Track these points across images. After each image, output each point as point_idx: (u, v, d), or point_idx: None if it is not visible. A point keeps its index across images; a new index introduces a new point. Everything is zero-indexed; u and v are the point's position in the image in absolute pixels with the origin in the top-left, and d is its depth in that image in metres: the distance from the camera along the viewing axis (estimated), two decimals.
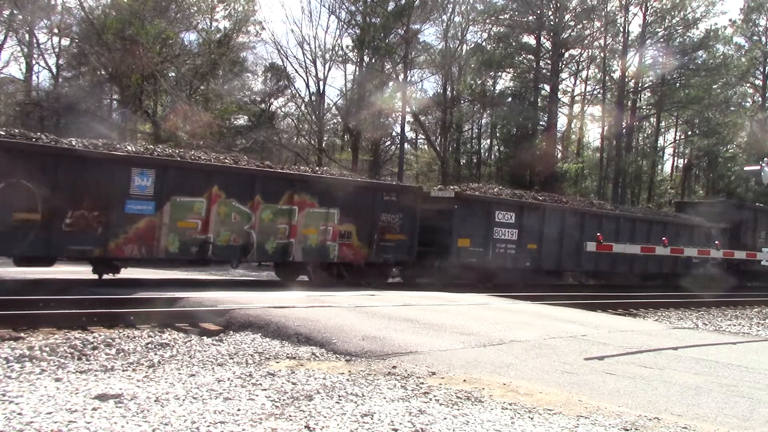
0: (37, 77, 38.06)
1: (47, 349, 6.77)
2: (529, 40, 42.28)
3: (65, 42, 35.45)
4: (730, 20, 49.02)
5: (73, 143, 13.65)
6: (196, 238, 14.59)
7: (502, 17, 41.28)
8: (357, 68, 39.35)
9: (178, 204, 14.24)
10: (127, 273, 16.07)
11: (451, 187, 20.85)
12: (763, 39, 49.19)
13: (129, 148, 14.70)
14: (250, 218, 15.28)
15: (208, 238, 14.69)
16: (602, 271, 23.86)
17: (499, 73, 44.02)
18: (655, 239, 22.94)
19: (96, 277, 14.49)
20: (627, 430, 4.87)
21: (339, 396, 5.38)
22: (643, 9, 41.57)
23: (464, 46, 42.67)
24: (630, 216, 24.74)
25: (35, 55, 35.24)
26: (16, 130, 13.78)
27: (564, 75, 43.69)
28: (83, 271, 16.60)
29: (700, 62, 42.70)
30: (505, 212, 20.17)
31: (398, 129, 41.80)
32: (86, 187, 13.08)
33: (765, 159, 23.16)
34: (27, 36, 34.30)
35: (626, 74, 42.45)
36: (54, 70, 35.65)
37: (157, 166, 14.02)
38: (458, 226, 18.87)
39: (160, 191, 13.96)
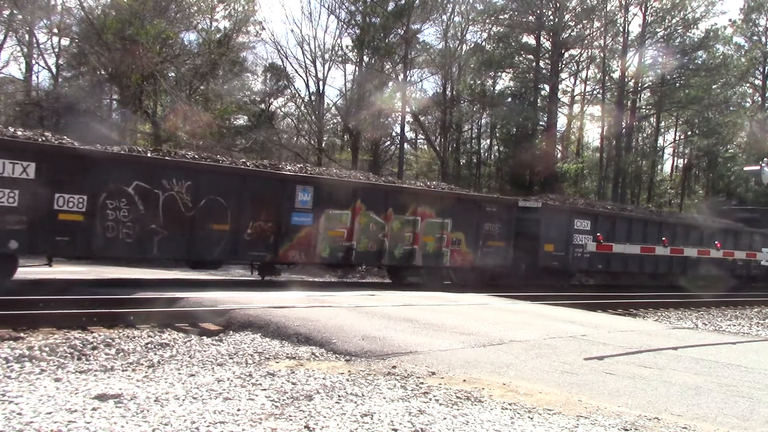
0: (37, 77, 38.07)
1: (47, 349, 6.77)
2: (529, 40, 42.31)
3: (65, 42, 35.43)
4: (730, 20, 49.09)
5: (248, 164, 16.63)
6: (343, 245, 17.06)
7: (501, 17, 41.28)
8: (357, 68, 39.36)
9: (330, 215, 16.75)
10: (127, 273, 16.09)
11: (536, 198, 23.30)
12: (763, 39, 49.21)
13: (289, 167, 17.68)
14: (384, 227, 17.66)
15: (351, 245, 17.12)
16: (660, 273, 25.82)
17: (499, 73, 44.02)
18: (707, 243, 25.46)
19: (98, 278, 14.51)
20: (627, 430, 4.87)
21: (339, 396, 5.38)
22: (643, 9, 41.58)
23: (464, 46, 42.72)
24: (685, 223, 27.66)
25: (35, 55, 35.21)
26: (221, 157, 17.01)
27: (564, 75, 43.73)
28: (83, 271, 16.62)
29: (700, 62, 42.69)
30: (582, 220, 22.54)
31: (398, 129, 41.82)
32: (263, 202, 15.64)
33: (765, 159, 23.24)
34: (27, 36, 34.27)
35: (626, 74, 42.45)
36: (54, 70, 35.63)
37: (315, 184, 16.62)
38: (544, 233, 20.99)
39: (317, 205, 16.51)
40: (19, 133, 13.63)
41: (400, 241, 17.96)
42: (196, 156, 16.10)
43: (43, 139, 13.60)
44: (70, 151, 13.31)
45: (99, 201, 13.33)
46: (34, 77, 36.80)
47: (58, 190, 12.90)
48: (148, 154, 14.85)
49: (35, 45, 34.54)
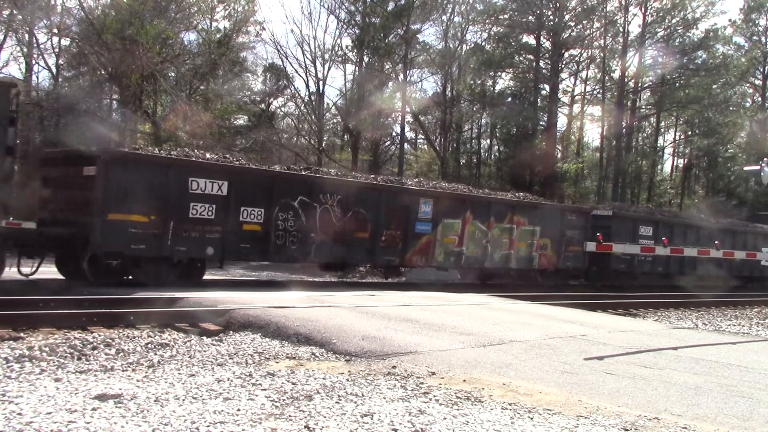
0: (37, 77, 37.94)
1: (47, 349, 6.77)
2: (529, 40, 42.34)
3: (65, 42, 35.36)
4: (730, 20, 49.11)
5: (378, 180, 19.49)
6: (454, 251, 19.38)
7: (501, 17, 41.30)
8: (357, 68, 39.35)
9: (445, 224, 19.06)
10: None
11: (608, 207, 26.41)
12: (763, 39, 49.25)
13: (410, 182, 20.58)
14: (487, 234, 19.89)
15: (462, 251, 19.51)
16: (712, 274, 27.03)
17: (499, 73, 44.03)
18: (751, 246, 27.99)
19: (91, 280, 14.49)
20: (627, 430, 4.87)
21: (339, 396, 5.38)
22: (643, 9, 41.62)
23: (464, 46, 42.71)
24: (733, 228, 29.70)
25: (35, 55, 35.14)
26: (359, 174, 20.41)
27: (564, 75, 43.75)
28: None
29: (699, 62, 42.73)
30: (645, 227, 25.05)
31: (398, 129, 41.82)
32: (393, 213, 18.02)
33: (765, 159, 23.31)
34: (27, 36, 34.20)
35: (626, 74, 42.48)
36: (54, 70, 35.57)
37: (435, 196, 19.07)
38: (615, 238, 22.49)
39: (436, 215, 18.80)
40: (211, 155, 16.34)
41: (499, 247, 20.31)
42: (340, 173, 19.86)
43: (236, 161, 16.74)
44: (256, 172, 16.22)
45: (273, 213, 15.80)
46: (34, 77, 36.76)
47: (243, 205, 15.32)
48: (309, 173, 17.69)
49: (35, 45, 34.50)
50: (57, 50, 35.36)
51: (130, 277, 14.34)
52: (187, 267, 14.94)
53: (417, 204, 18.44)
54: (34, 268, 13.70)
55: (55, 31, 33.95)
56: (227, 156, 17.20)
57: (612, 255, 22.90)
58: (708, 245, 23.38)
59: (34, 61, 35.49)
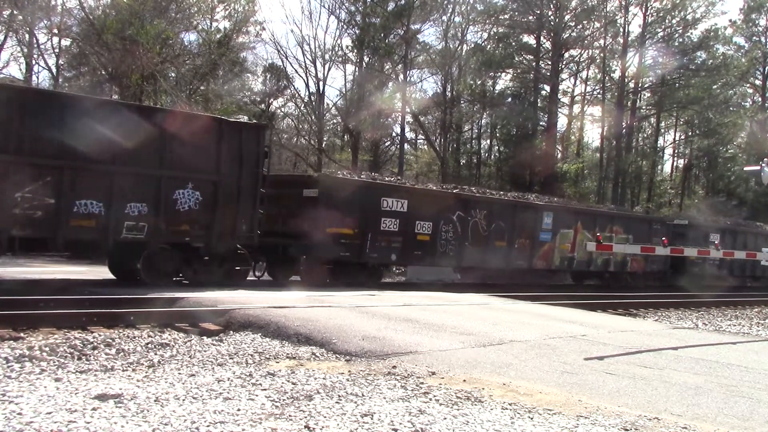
0: (37, 77, 38.01)
1: (47, 349, 6.77)
2: (529, 40, 42.37)
3: (65, 42, 35.44)
4: (730, 20, 49.13)
5: (511, 196, 23.21)
6: (568, 256, 23.07)
7: (502, 17, 41.32)
8: (357, 68, 39.35)
9: (562, 234, 22.61)
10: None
11: (684, 218, 29.56)
12: (763, 39, 49.24)
13: (533, 196, 24.96)
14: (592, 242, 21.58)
15: (573, 256, 23.17)
16: (758, 275, 30.66)
17: (499, 74, 44.02)
18: None
19: (98, 278, 14.55)
20: (627, 430, 4.87)
21: (339, 396, 5.37)
22: (643, 9, 41.63)
23: (464, 46, 42.73)
24: None
25: (35, 55, 35.20)
26: (498, 192, 25.29)
27: (564, 75, 43.79)
28: (83, 271, 16.63)
29: (700, 62, 42.73)
30: (714, 234, 27.43)
31: (398, 129, 41.82)
32: (523, 224, 21.50)
33: (765, 159, 23.45)
34: (27, 36, 34.27)
35: (626, 74, 42.50)
36: (54, 70, 35.63)
37: (555, 210, 22.84)
38: (690, 244, 24.52)
39: (555, 226, 22.36)
40: (391, 179, 21.35)
41: (602, 253, 23.24)
42: (493, 192, 24.23)
43: (412, 184, 21.35)
44: (428, 192, 20.24)
45: (438, 226, 19.23)
46: (34, 77, 36.81)
47: (417, 219, 18.72)
48: (465, 193, 21.46)
49: (35, 45, 34.55)
50: (57, 50, 35.44)
51: (328, 280, 17.39)
52: (373, 270, 18.49)
53: (541, 217, 22.19)
54: (261, 272, 17.22)
55: (56, 31, 34.01)
56: (400, 178, 22.50)
57: (687, 259, 25.92)
58: (754, 249, 26.22)
59: (34, 61, 35.55)
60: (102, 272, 15.28)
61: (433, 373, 6.42)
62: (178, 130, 13.77)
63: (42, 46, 34.96)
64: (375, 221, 17.70)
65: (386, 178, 21.25)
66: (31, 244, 12.97)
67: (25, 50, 35.28)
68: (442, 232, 19.35)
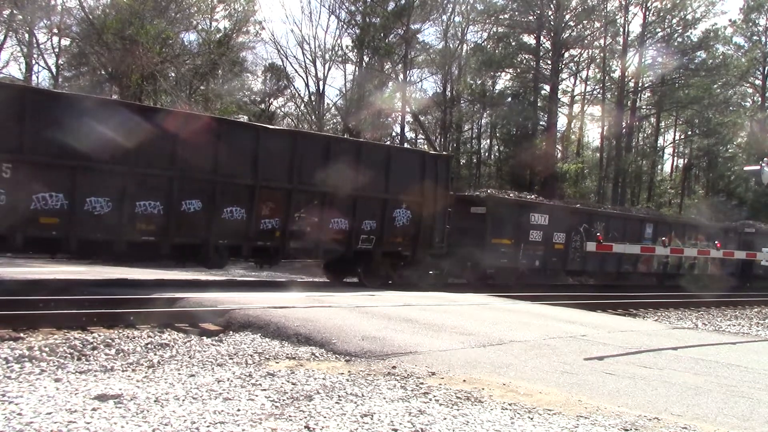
0: (37, 77, 38.01)
1: (47, 349, 6.77)
2: (529, 40, 42.33)
3: (65, 42, 35.46)
4: (730, 20, 49.10)
5: (616, 209, 28.90)
6: (663, 261, 26.23)
7: (502, 17, 41.31)
8: (357, 68, 39.35)
9: (659, 242, 24.09)
10: (127, 273, 16.11)
11: (751, 226, 31.71)
12: (763, 39, 49.21)
13: (634, 210, 29.86)
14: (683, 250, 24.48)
15: (668, 261, 26.22)
16: None
17: (499, 73, 44.02)
18: None
19: (97, 278, 14.55)
20: (627, 430, 4.87)
21: (339, 396, 5.38)
22: (643, 9, 41.64)
23: (464, 45, 42.71)
24: None
25: (35, 55, 35.21)
26: (610, 207, 30.55)
27: (564, 75, 43.77)
28: (83, 271, 16.64)
29: (699, 62, 42.72)
30: None
31: (398, 129, 41.81)
32: (632, 234, 24.83)
33: (765, 159, 23.60)
34: (27, 36, 34.28)
35: (626, 74, 42.49)
36: (54, 70, 35.64)
37: (654, 222, 27.04)
38: (757, 248, 25.64)
39: (654, 235, 25.95)
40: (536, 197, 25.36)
41: (688, 258, 26.68)
42: (608, 207, 28.83)
43: (554, 201, 25.52)
44: (563, 208, 23.88)
45: (570, 236, 22.74)
46: (34, 77, 36.81)
47: (555, 231, 22.24)
48: (590, 208, 26.42)
49: (35, 45, 34.56)
50: (57, 50, 35.46)
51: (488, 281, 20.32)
52: (521, 275, 21.54)
53: (644, 227, 25.99)
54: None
55: (56, 31, 34.03)
56: (540, 197, 26.30)
57: (754, 262, 27.86)
58: None
59: (34, 61, 35.56)
60: (102, 272, 15.28)
61: (433, 374, 6.42)
62: (398, 163, 17.38)
63: (42, 46, 35.02)
64: (526, 233, 21.30)
65: (528, 196, 25.09)
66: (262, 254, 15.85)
67: (25, 50, 35.31)
68: (573, 241, 22.86)
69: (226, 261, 15.39)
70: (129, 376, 5.83)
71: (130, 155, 12.91)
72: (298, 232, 15.51)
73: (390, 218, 17.08)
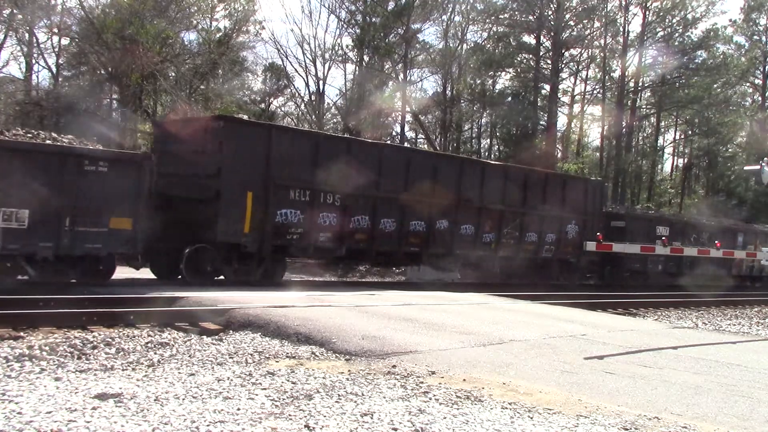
0: (37, 77, 38.03)
1: (47, 348, 6.77)
2: (529, 39, 42.31)
3: (65, 41, 35.40)
4: (730, 20, 49.07)
5: (711, 221, 30.15)
6: (749, 264, 28.96)
7: (502, 17, 41.29)
8: (357, 68, 39.34)
9: (748, 248, 28.24)
10: (127, 273, 16.08)
11: None
12: (763, 38, 49.19)
13: (731, 221, 32.11)
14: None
15: (753, 264, 28.80)
16: None
17: (499, 73, 44.00)
18: None
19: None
20: (627, 429, 4.87)
21: (339, 395, 5.38)
22: (643, 9, 41.61)
23: (464, 45, 42.68)
24: None
25: (35, 55, 35.18)
26: (699, 217, 32.01)
27: (564, 75, 43.71)
28: None
29: (700, 62, 42.70)
30: None
31: (398, 129, 41.80)
32: (728, 241, 27.12)
33: (765, 158, 23.70)
34: (27, 35, 34.24)
35: (626, 74, 42.46)
36: (54, 69, 35.62)
37: (744, 231, 29.80)
38: None
39: (745, 242, 29.03)
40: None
41: (750, 261, 28.85)
42: (710, 220, 30.31)
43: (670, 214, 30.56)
44: (643, 216, 27.21)
45: (684, 244, 25.12)
46: (34, 77, 36.81)
47: (674, 240, 24.76)
48: (673, 216, 29.71)
49: (35, 44, 34.53)
50: (57, 50, 35.42)
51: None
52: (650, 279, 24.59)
53: (737, 235, 28.68)
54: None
55: (55, 30, 33.99)
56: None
57: None
58: None
59: (34, 61, 35.55)
60: None
61: (433, 373, 6.42)
62: (569, 188, 22.23)
63: (42, 46, 34.98)
64: (653, 242, 23.68)
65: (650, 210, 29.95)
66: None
67: (25, 49, 35.26)
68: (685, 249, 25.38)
69: (458, 268, 20.55)
70: (129, 375, 5.83)
71: (409, 188, 17.46)
72: (505, 244, 19.80)
73: (564, 232, 21.65)
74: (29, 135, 13.27)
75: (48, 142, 12.99)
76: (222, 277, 15.24)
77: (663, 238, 24.06)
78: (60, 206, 12.17)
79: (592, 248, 21.50)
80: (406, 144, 40.37)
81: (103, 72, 31.58)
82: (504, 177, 20.11)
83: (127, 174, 12.94)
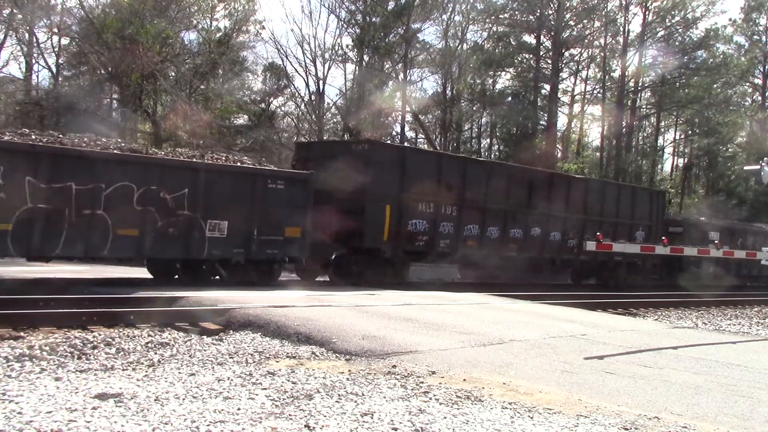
0: (37, 76, 38.05)
1: (47, 348, 6.77)
2: (530, 39, 42.34)
3: (65, 41, 35.43)
4: (730, 19, 49.03)
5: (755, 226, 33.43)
6: None
7: (502, 16, 41.31)
8: (357, 68, 39.34)
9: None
10: (127, 273, 16.12)
11: None
12: (763, 38, 49.19)
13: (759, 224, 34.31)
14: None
15: None
16: None
17: (499, 73, 44.00)
18: None
19: (98, 277, 14.59)
20: (627, 429, 4.87)
21: (339, 395, 5.38)
22: (644, 8, 41.61)
23: (464, 45, 42.68)
24: None
25: (35, 55, 35.20)
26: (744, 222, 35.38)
27: (564, 74, 43.73)
28: (82, 271, 16.64)
29: (700, 62, 42.70)
30: None
31: (398, 128, 41.79)
32: (761, 243, 29.68)
33: (765, 158, 23.78)
34: (27, 35, 34.26)
35: (626, 74, 42.47)
36: (54, 69, 35.63)
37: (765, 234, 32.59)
38: None
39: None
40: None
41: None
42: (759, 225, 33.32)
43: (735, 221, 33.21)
44: (699, 222, 29.53)
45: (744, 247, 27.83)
46: (34, 77, 36.84)
47: (733, 247, 26.80)
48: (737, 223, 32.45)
49: (35, 44, 34.55)
50: (57, 49, 35.45)
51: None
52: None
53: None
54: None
55: (55, 30, 34.02)
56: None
57: None
58: None
59: (34, 61, 35.57)
60: (102, 272, 15.29)
61: (433, 373, 6.42)
62: (638, 198, 25.50)
63: (42, 45, 34.99)
64: (707, 246, 25.33)
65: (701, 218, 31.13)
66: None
67: (25, 49, 35.29)
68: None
69: (549, 270, 23.20)
70: (129, 375, 5.83)
71: (509, 200, 20.40)
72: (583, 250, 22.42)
73: (633, 237, 24.32)
74: (225, 157, 16.42)
75: (246, 164, 15.91)
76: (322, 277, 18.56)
77: (716, 242, 25.65)
78: (251, 218, 14.72)
79: (591, 248, 21.58)
80: (405, 143, 40.37)
81: (103, 72, 31.60)
82: (585, 191, 23.60)
83: (297, 190, 15.56)
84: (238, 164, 15.66)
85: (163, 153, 15.99)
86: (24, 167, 11.90)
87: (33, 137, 13.04)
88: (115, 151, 13.47)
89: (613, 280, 23.71)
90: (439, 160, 19.41)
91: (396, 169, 17.69)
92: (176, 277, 15.33)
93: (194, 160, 14.75)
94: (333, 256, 17.57)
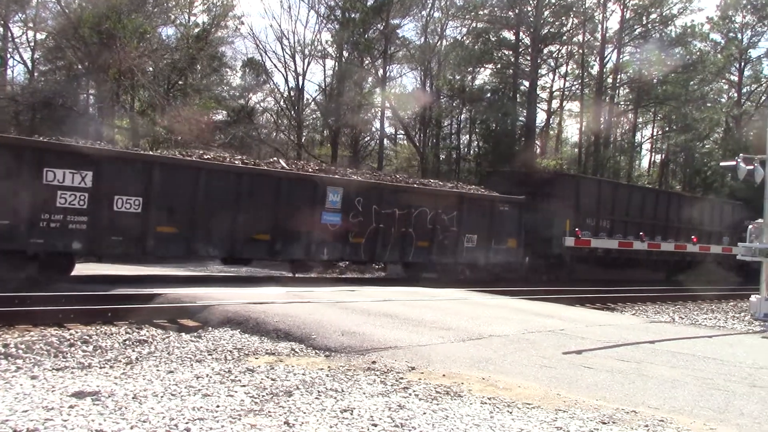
0: (12, 72, 37.54)
1: (23, 346, 6.70)
2: (509, 35, 42.40)
3: (41, 36, 34.99)
4: (707, 17, 49.49)
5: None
6: None
7: (481, 13, 41.30)
8: (336, 63, 39.24)
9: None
10: (107, 270, 15.98)
11: None
12: (739, 36, 49.66)
13: None
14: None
15: None
16: None
17: (479, 69, 44.06)
18: None
19: (75, 274, 14.41)
20: (605, 423, 4.91)
21: (318, 391, 5.37)
22: (622, 5, 41.85)
23: (443, 41, 42.69)
24: None
25: (10, 49, 34.74)
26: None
27: (543, 71, 43.84)
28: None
29: (677, 58, 43.05)
30: None
31: (378, 124, 41.73)
32: None
33: (740, 154, 24.01)
34: (1, 30, 33.80)
35: (604, 70, 42.72)
36: (29, 64, 35.18)
37: None
38: None
39: None
40: None
41: None
42: None
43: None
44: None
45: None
46: (9, 72, 36.36)
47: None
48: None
49: (10, 39, 34.10)
50: (33, 44, 34.97)
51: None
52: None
53: None
54: None
55: (31, 24, 33.57)
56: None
57: None
58: None
59: (9, 55, 35.08)
60: (81, 269, 15.11)
61: (413, 368, 6.43)
62: (720, 209, 29.55)
63: (17, 40, 34.54)
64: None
65: None
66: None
67: (0, 44, 34.80)
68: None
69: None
70: (107, 373, 5.78)
71: (642, 216, 25.57)
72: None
73: (720, 242, 28.19)
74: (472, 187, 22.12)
75: (485, 192, 21.28)
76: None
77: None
78: (490, 232, 20.20)
79: (570, 244, 21.86)
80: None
81: (79, 67, 31.26)
82: (656, 200, 26.84)
83: (515, 211, 20.95)
84: (486, 193, 21.10)
85: (434, 183, 21.54)
86: (371, 199, 17.71)
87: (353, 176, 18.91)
88: (436, 188, 20.21)
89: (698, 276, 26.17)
90: (598, 183, 25.96)
91: (573, 191, 22.98)
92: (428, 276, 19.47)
93: (459, 190, 20.81)
94: (527, 259, 22.06)
